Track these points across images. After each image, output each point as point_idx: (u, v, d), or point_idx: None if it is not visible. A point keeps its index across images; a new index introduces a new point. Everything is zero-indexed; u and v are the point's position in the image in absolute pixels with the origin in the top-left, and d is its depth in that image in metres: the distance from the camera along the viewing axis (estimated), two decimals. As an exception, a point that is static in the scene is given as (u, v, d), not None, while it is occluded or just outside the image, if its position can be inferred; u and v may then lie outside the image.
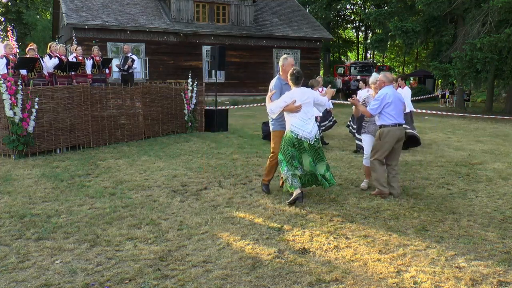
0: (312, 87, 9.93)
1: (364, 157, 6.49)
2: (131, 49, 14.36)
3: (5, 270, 3.61)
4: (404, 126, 6.11)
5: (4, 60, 9.56)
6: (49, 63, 10.72)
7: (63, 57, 11.01)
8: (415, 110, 10.26)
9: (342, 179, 6.82)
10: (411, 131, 9.32)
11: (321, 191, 6.08)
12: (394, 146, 5.90)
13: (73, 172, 7.01)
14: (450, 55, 20.68)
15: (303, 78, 5.62)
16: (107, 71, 12.66)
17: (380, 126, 5.92)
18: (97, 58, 12.16)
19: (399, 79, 10.20)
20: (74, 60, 11.49)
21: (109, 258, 3.87)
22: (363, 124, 6.62)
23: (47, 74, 10.64)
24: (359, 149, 8.89)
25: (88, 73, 11.79)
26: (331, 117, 10.62)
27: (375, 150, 5.94)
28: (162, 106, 11.10)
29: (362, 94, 7.83)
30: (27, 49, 10.53)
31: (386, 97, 5.80)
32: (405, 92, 9.91)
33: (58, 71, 10.90)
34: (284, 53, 24.24)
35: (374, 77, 6.36)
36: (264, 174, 6.19)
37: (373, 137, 6.24)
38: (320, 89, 10.25)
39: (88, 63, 11.88)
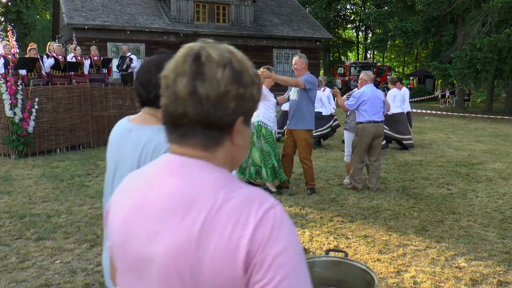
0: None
1: (345, 154, 6.70)
2: (130, 49, 14.34)
3: (5, 270, 3.61)
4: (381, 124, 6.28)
5: (2, 60, 9.55)
6: (46, 63, 10.70)
7: (59, 57, 10.94)
8: (412, 110, 10.23)
9: (342, 179, 6.82)
10: (390, 133, 9.31)
11: (321, 192, 6.08)
12: (372, 143, 6.11)
13: (73, 172, 7.01)
14: (450, 55, 20.70)
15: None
16: (105, 71, 12.61)
17: (357, 123, 6.15)
18: (95, 58, 12.11)
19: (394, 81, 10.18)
20: (74, 60, 11.47)
21: (109, 258, 3.86)
22: (346, 120, 6.86)
23: (45, 74, 10.62)
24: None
25: (85, 73, 11.74)
26: (331, 122, 10.00)
27: (353, 147, 6.18)
28: (162, 106, 11.10)
29: None
30: (28, 49, 10.52)
31: (362, 95, 6.01)
32: (403, 93, 9.94)
33: (54, 71, 10.84)
34: (284, 53, 24.35)
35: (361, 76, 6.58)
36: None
37: (352, 134, 6.44)
38: (321, 89, 10.26)
39: (86, 63, 11.83)
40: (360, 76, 6.32)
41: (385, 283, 3.47)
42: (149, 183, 0.92)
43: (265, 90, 5.76)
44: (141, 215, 0.90)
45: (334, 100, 9.32)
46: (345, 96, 6.60)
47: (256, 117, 5.81)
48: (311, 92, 5.80)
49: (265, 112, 5.82)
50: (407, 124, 9.88)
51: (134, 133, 1.61)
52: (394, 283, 3.46)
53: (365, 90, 6.04)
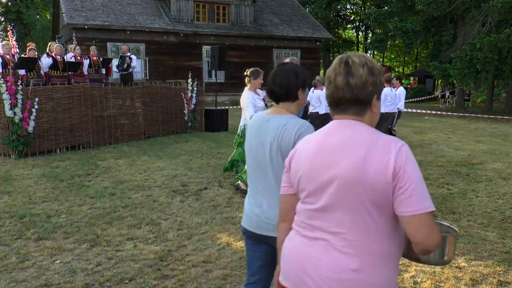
0: (314, 86, 9.97)
1: None
2: (129, 49, 14.33)
3: (5, 270, 3.61)
4: None
5: (0, 60, 9.55)
6: (44, 63, 10.69)
7: (58, 57, 10.94)
8: (404, 110, 10.24)
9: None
10: None
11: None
12: None
13: (73, 172, 7.01)
14: (450, 55, 20.69)
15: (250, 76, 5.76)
16: (104, 71, 12.60)
17: None
18: (94, 58, 12.11)
19: (394, 79, 10.17)
20: (73, 60, 11.46)
21: (109, 258, 3.87)
22: None
23: (43, 74, 10.61)
24: None
25: (84, 73, 11.75)
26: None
27: None
28: (162, 106, 11.10)
29: None
30: (28, 49, 10.52)
31: None
32: (399, 93, 9.91)
33: (53, 71, 10.84)
34: (284, 53, 24.33)
35: None
36: None
37: None
38: (321, 88, 10.25)
39: (85, 63, 11.83)
40: None
41: (385, 283, 3.47)
42: (328, 134, 1.56)
43: (253, 95, 5.69)
44: (325, 151, 1.53)
45: None
46: None
47: (242, 121, 5.94)
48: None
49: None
50: (391, 124, 9.81)
51: (272, 121, 2.28)
52: (394, 283, 3.46)
53: None
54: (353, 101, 1.51)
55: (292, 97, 2.25)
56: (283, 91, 2.24)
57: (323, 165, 1.51)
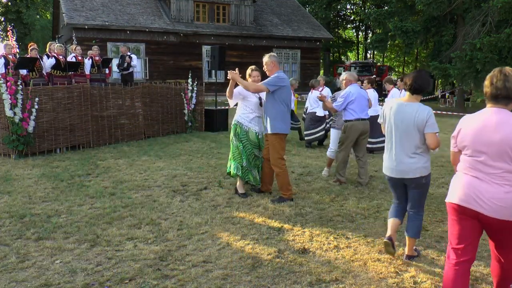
0: (312, 87, 9.94)
1: (329, 150, 7.10)
2: (128, 49, 14.32)
3: (5, 270, 3.61)
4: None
5: (3, 60, 9.57)
6: (46, 63, 10.72)
7: (60, 57, 10.98)
8: None
9: (342, 179, 6.82)
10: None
11: (321, 192, 6.08)
12: (358, 139, 6.45)
13: (73, 172, 7.01)
14: (450, 55, 20.69)
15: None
16: (107, 71, 12.66)
17: (345, 121, 6.41)
18: (97, 58, 12.14)
19: (399, 80, 10.19)
20: (74, 60, 11.48)
21: (109, 258, 3.87)
22: (333, 118, 7.20)
23: (45, 74, 10.64)
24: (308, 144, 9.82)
25: (86, 73, 11.78)
26: (324, 124, 9.77)
27: (341, 143, 6.50)
28: (162, 106, 11.10)
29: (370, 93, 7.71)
30: (30, 48, 10.53)
31: (349, 95, 6.30)
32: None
33: (56, 71, 10.87)
34: (284, 53, 24.33)
35: (342, 75, 6.75)
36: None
37: (339, 132, 6.75)
38: (320, 88, 10.23)
39: (87, 63, 11.87)
40: (345, 76, 6.52)
41: (385, 283, 3.47)
42: (488, 116, 2.73)
43: (244, 90, 5.63)
44: (485, 128, 2.71)
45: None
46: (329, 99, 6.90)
47: (235, 117, 5.85)
48: (279, 93, 5.48)
49: (243, 113, 5.74)
50: None
51: (408, 106, 3.69)
52: (394, 283, 3.47)
53: (351, 91, 6.32)
54: (505, 97, 2.67)
55: (421, 91, 3.73)
56: (420, 88, 3.70)
57: (486, 134, 2.67)
